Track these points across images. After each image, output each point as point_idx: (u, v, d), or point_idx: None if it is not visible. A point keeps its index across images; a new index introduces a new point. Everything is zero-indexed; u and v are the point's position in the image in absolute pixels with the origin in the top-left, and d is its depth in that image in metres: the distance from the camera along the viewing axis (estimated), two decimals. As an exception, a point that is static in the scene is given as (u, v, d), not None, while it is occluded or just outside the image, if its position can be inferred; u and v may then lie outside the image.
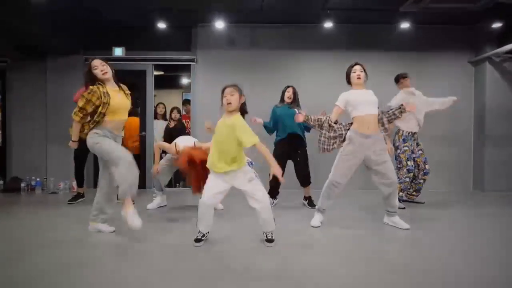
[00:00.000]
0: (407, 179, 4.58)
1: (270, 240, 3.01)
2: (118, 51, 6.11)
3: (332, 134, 3.46)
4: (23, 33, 5.12)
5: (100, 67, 3.18)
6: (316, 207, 3.71)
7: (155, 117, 6.41)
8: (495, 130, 5.95)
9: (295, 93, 4.57)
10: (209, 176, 2.99)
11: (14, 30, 5.03)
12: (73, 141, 3.30)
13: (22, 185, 5.80)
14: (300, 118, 3.49)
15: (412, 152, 4.64)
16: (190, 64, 6.22)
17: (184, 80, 9.10)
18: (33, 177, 5.87)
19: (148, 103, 6.28)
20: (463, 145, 6.24)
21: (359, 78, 3.47)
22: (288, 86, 4.61)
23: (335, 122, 3.50)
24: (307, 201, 4.62)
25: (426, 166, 4.66)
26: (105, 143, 3.10)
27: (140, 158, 6.37)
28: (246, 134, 2.78)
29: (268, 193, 4.49)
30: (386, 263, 2.60)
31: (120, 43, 6.11)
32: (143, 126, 6.34)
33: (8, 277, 2.33)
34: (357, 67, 3.51)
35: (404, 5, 4.71)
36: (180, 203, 4.98)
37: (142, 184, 6.27)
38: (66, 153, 5.81)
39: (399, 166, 4.60)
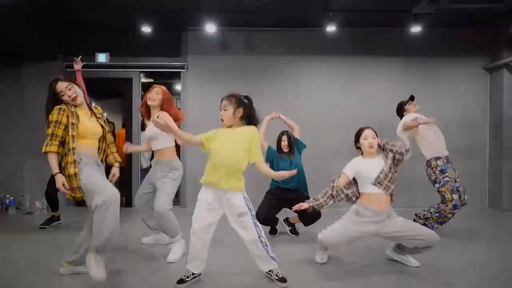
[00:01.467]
0: (450, 216, 3.79)
1: (282, 280, 2.59)
2: (102, 57, 5.65)
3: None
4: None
5: (68, 92, 2.63)
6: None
7: (142, 129, 5.92)
8: (514, 142, 5.46)
9: (290, 139, 3.96)
10: (198, 205, 2.56)
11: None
12: (57, 174, 2.56)
13: (-6, 204, 5.31)
14: (303, 206, 2.96)
15: (455, 181, 3.89)
16: (179, 71, 5.75)
17: (176, 87, 8.61)
18: (7, 195, 5.40)
19: (135, 114, 5.78)
20: (477, 159, 5.75)
21: (371, 147, 2.95)
22: (283, 134, 4.00)
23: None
24: (290, 228, 4.10)
25: (466, 196, 3.95)
26: (85, 174, 2.53)
27: (126, 171, 5.89)
28: (259, 148, 2.57)
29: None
30: None
31: (104, 48, 5.66)
32: (129, 138, 5.85)
33: None
34: (368, 133, 2.99)
35: (417, 6, 4.23)
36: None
37: (128, 202, 5.78)
38: (44, 168, 5.30)
39: (443, 200, 3.82)
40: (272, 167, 3.89)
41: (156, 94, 3.26)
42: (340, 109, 5.69)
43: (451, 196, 3.72)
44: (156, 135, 3.24)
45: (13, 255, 3.32)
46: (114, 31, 5.62)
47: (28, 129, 5.57)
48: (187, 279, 2.57)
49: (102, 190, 2.43)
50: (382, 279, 2.74)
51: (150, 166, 5.64)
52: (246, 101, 2.56)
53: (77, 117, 2.61)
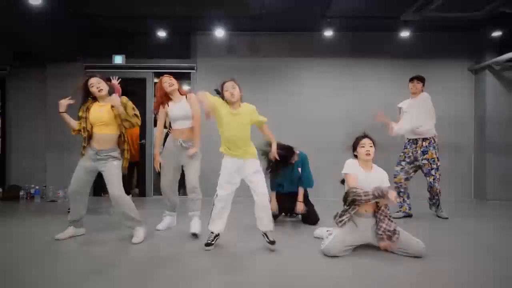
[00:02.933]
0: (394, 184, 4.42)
1: (272, 242, 3.09)
2: (118, 59, 6.11)
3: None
4: (22, 40, 5.13)
5: (97, 85, 3.34)
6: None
7: (155, 125, 6.37)
8: (496, 138, 5.93)
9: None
10: (222, 172, 3.16)
11: (14, 37, 5.03)
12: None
13: (21, 193, 5.79)
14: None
15: (415, 159, 4.47)
16: (189, 72, 6.21)
17: (184, 88, 9.07)
18: (32, 185, 5.85)
19: (148, 111, 6.26)
20: (464, 153, 6.21)
21: (368, 154, 3.02)
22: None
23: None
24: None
25: (428, 178, 4.42)
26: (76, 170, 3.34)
27: (139, 165, 6.36)
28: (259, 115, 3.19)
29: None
30: (387, 274, 2.58)
31: (120, 51, 6.12)
32: (143, 134, 6.33)
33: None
34: (366, 141, 3.06)
35: (404, 14, 4.70)
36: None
37: (142, 192, 6.24)
38: (65, 161, 5.81)
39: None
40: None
41: (170, 80, 3.72)
42: (338, 107, 6.11)
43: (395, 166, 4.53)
44: (186, 115, 3.72)
45: (40, 235, 3.67)
46: (130, 35, 6.08)
47: (51, 126, 6.01)
48: (212, 242, 3.12)
49: (71, 182, 3.33)
50: (372, 266, 3.17)
51: (162, 159, 6.16)
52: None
53: (88, 110, 3.33)
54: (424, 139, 4.42)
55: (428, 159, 4.39)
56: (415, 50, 6.09)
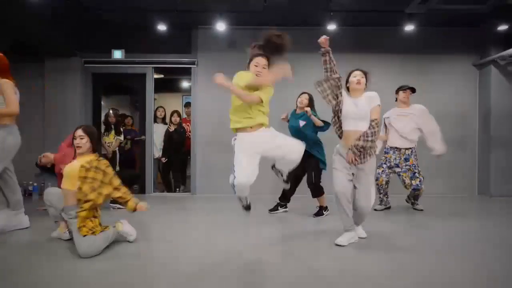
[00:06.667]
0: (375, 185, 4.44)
1: (286, 181, 3.15)
2: (118, 54, 6.02)
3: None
4: (21, 34, 5.04)
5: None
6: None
7: (155, 121, 6.31)
8: (501, 134, 5.87)
9: (309, 100, 4.45)
10: (238, 155, 2.77)
11: (12, 31, 4.94)
12: None
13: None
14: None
15: (397, 165, 4.61)
16: (190, 67, 6.13)
17: (184, 84, 9.00)
18: (30, 182, 5.76)
19: (148, 107, 6.17)
20: (468, 149, 6.16)
21: (358, 83, 3.20)
22: (303, 93, 4.48)
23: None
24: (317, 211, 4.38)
25: (414, 182, 4.50)
26: None
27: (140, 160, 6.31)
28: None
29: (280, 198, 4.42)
30: (392, 268, 2.51)
31: (120, 46, 6.03)
32: (142, 130, 6.25)
33: None
34: (357, 72, 3.27)
35: (409, 6, 4.62)
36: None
37: (142, 189, 6.17)
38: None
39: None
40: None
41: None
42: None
43: (376, 169, 4.40)
44: None
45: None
46: (129, 29, 5.99)
47: (49, 121, 5.93)
48: (250, 204, 2.99)
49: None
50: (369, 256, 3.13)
51: (162, 156, 6.11)
52: None
53: None
54: (407, 148, 4.58)
55: (410, 165, 4.54)
56: (419, 45, 6.03)
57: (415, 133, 4.55)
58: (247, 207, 3.00)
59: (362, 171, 3.13)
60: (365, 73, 3.29)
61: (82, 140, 3.02)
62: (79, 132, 3.06)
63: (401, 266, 2.64)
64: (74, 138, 3.06)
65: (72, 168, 2.95)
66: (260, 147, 2.78)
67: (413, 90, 4.65)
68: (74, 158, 3.12)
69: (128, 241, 3.19)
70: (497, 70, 5.84)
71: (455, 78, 6.10)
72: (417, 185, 4.50)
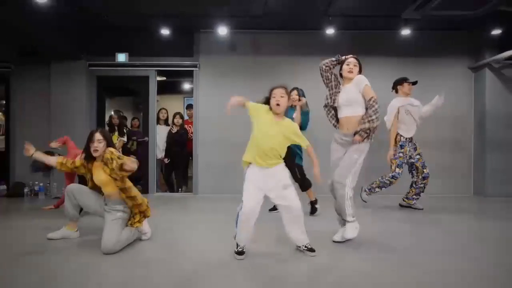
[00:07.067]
0: (387, 182, 4.70)
1: (311, 250, 2.87)
2: (122, 57, 6.16)
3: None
4: (27, 37, 5.20)
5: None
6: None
7: (157, 122, 6.45)
8: (496, 136, 6.00)
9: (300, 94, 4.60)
10: (246, 183, 2.80)
11: (19, 35, 5.09)
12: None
13: (26, 190, 5.84)
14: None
15: (410, 157, 4.74)
16: (192, 70, 6.27)
17: (186, 86, 9.15)
18: (36, 182, 5.91)
19: (151, 109, 6.32)
20: (464, 150, 6.29)
21: (350, 72, 3.26)
22: (294, 89, 4.57)
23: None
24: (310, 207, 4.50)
25: (425, 170, 4.73)
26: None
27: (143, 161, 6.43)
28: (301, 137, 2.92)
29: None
30: (387, 267, 2.63)
31: (124, 49, 6.17)
32: (145, 132, 6.39)
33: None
34: (351, 60, 3.30)
35: (405, 12, 4.77)
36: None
37: (145, 189, 6.30)
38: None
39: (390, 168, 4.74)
40: None
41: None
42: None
43: (395, 169, 4.63)
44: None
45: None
46: (133, 33, 6.13)
47: (54, 123, 6.06)
48: (244, 250, 2.81)
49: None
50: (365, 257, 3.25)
51: (164, 157, 6.25)
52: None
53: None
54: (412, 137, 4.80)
55: (420, 154, 4.76)
56: (416, 49, 6.16)
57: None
58: (240, 253, 2.80)
59: (349, 149, 3.18)
60: (359, 62, 3.35)
61: (100, 144, 3.11)
62: (98, 135, 3.12)
63: (401, 265, 2.67)
64: (91, 141, 3.14)
65: (102, 178, 3.10)
66: (267, 184, 2.78)
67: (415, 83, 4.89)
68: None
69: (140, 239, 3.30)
70: (491, 73, 5.99)
71: (451, 81, 6.23)
72: (428, 173, 4.71)
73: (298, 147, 4.35)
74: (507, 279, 2.44)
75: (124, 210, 3.17)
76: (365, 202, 4.88)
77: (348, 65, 3.30)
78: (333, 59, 3.39)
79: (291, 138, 2.84)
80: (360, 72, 3.34)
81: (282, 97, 2.79)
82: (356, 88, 3.21)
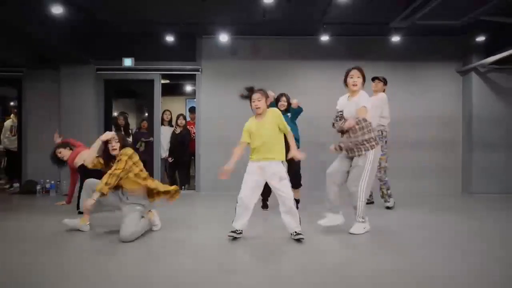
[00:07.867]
0: (384, 178, 4.76)
1: (299, 238, 3.15)
2: (128, 62, 6.48)
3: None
4: (41, 44, 5.52)
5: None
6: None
7: (162, 123, 6.76)
8: (482, 136, 6.32)
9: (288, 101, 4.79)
10: (245, 177, 3.26)
11: (33, 41, 5.39)
12: None
13: (37, 187, 6.15)
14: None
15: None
16: (194, 74, 6.58)
17: (188, 88, 9.48)
18: (47, 180, 6.22)
19: (156, 110, 6.64)
20: (452, 150, 6.60)
21: (355, 85, 3.34)
22: (282, 95, 4.75)
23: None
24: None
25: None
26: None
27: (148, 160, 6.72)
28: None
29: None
30: (374, 266, 2.68)
31: (130, 54, 6.49)
32: (150, 132, 6.70)
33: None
34: (354, 73, 3.36)
35: (394, 21, 5.09)
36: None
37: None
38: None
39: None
40: None
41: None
42: (334, 107, 6.46)
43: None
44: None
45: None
46: (139, 39, 6.45)
47: (64, 124, 6.36)
48: (237, 232, 3.23)
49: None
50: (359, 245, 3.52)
51: (168, 156, 6.55)
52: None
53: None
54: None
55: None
56: (406, 54, 6.46)
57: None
58: (234, 232, 3.23)
59: (356, 164, 3.36)
60: (362, 73, 3.41)
61: (118, 144, 3.50)
62: (116, 136, 3.54)
63: (401, 265, 2.68)
64: (109, 142, 3.51)
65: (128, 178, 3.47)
66: (263, 175, 3.20)
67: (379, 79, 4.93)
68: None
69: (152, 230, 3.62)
70: (478, 77, 6.31)
71: (440, 84, 6.54)
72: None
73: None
74: (507, 280, 2.41)
75: (143, 204, 3.54)
76: (392, 206, 4.82)
77: (351, 77, 3.38)
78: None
79: (277, 121, 3.22)
80: (364, 81, 3.43)
81: (259, 100, 3.23)
82: (356, 106, 3.37)
